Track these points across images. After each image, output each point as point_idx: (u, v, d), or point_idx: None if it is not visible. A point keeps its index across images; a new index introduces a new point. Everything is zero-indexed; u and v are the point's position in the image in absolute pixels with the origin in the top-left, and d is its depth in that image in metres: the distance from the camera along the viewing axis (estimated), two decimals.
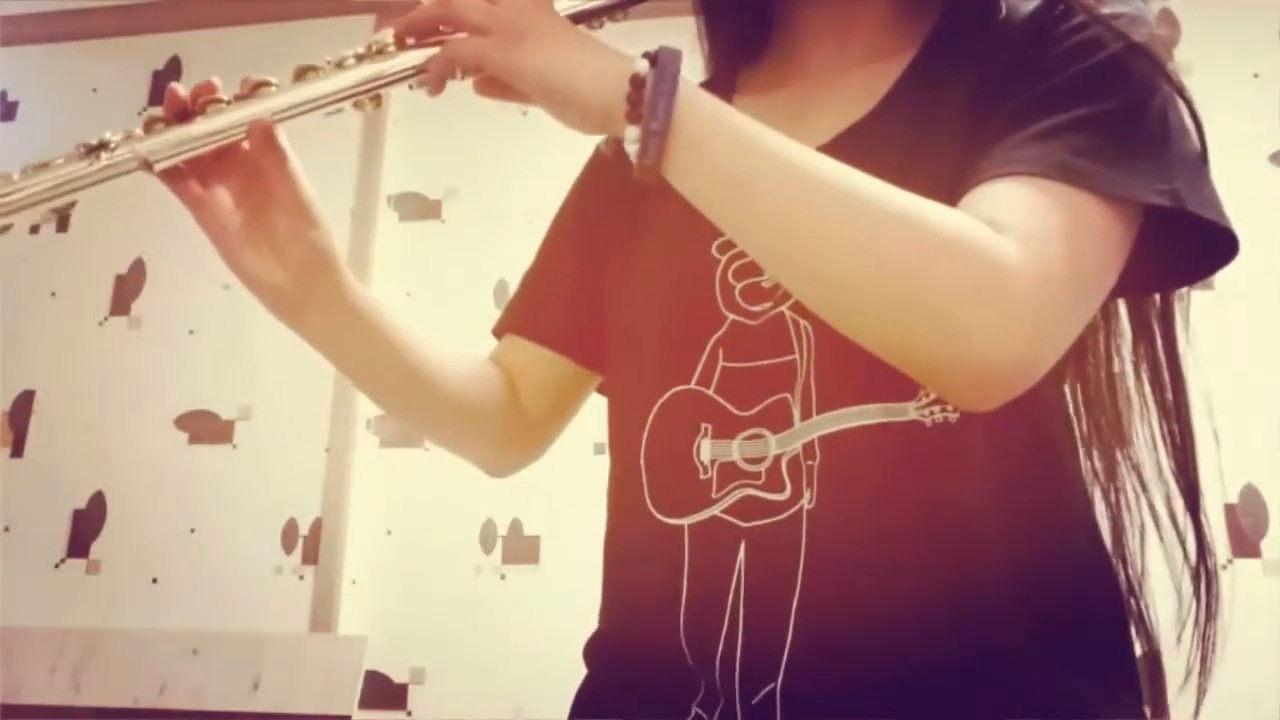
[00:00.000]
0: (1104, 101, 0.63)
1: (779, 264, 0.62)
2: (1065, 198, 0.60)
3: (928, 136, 0.68)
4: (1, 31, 2.40)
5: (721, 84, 0.83)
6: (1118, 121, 0.63)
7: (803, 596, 0.63)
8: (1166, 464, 0.74)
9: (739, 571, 0.65)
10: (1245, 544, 1.77)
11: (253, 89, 0.69)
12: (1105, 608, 0.70)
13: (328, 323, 0.75)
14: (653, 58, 0.61)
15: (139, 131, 0.68)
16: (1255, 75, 2.01)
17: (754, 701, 0.63)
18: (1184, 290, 0.74)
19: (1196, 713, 0.73)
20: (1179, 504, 0.73)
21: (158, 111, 0.70)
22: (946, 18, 0.75)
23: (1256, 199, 1.93)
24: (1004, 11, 0.71)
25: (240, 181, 0.71)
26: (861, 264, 0.58)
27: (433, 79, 0.67)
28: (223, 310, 2.14)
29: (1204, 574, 0.73)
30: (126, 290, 2.24)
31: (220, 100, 0.68)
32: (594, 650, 0.76)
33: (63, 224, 2.31)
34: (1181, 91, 0.66)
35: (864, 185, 0.59)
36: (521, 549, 1.95)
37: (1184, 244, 0.65)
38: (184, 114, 0.68)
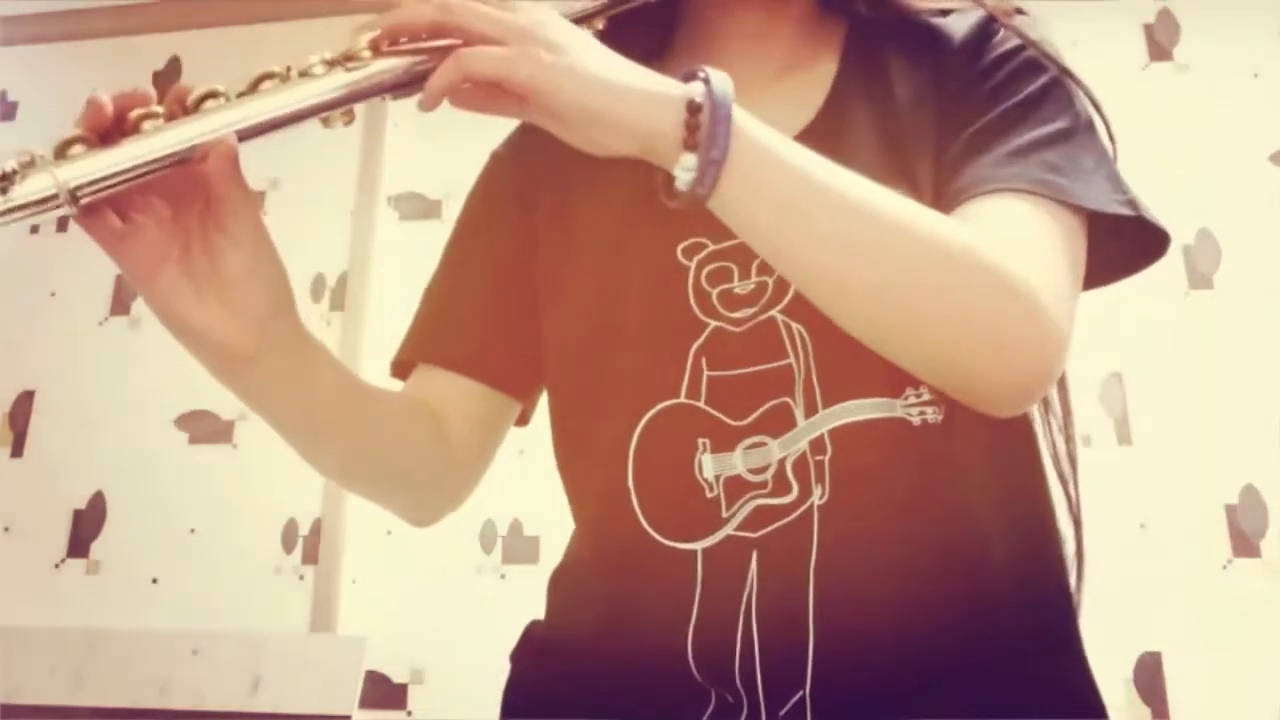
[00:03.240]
0: (1057, 121, 0.68)
1: (832, 294, 0.61)
2: (1053, 212, 0.65)
3: (871, 142, 0.70)
4: (1, 31, 2.40)
5: None
6: (1072, 139, 0.68)
7: (818, 597, 0.62)
8: (1061, 445, 0.75)
9: (751, 582, 0.64)
10: (1245, 544, 1.77)
11: (198, 103, 0.57)
12: (1069, 600, 0.72)
13: (280, 370, 0.66)
14: (704, 79, 0.58)
15: (43, 155, 0.53)
16: (1255, 75, 2.01)
17: (783, 712, 0.62)
18: None
19: None
20: (1071, 483, 0.75)
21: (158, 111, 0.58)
22: (856, 26, 0.77)
23: (1256, 199, 1.93)
24: (932, 27, 0.74)
25: (170, 209, 0.59)
26: (909, 292, 0.60)
27: (432, 94, 0.58)
28: None
29: (1077, 542, 0.73)
30: (126, 290, 2.24)
31: (155, 115, 0.56)
32: (529, 652, 0.76)
33: (63, 224, 2.31)
34: (1100, 111, 0.71)
35: (904, 210, 0.61)
36: (521, 549, 1.95)
37: (1117, 245, 0.69)
38: (109, 134, 0.56)
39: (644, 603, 0.67)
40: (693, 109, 0.57)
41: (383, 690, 1.89)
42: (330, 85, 0.58)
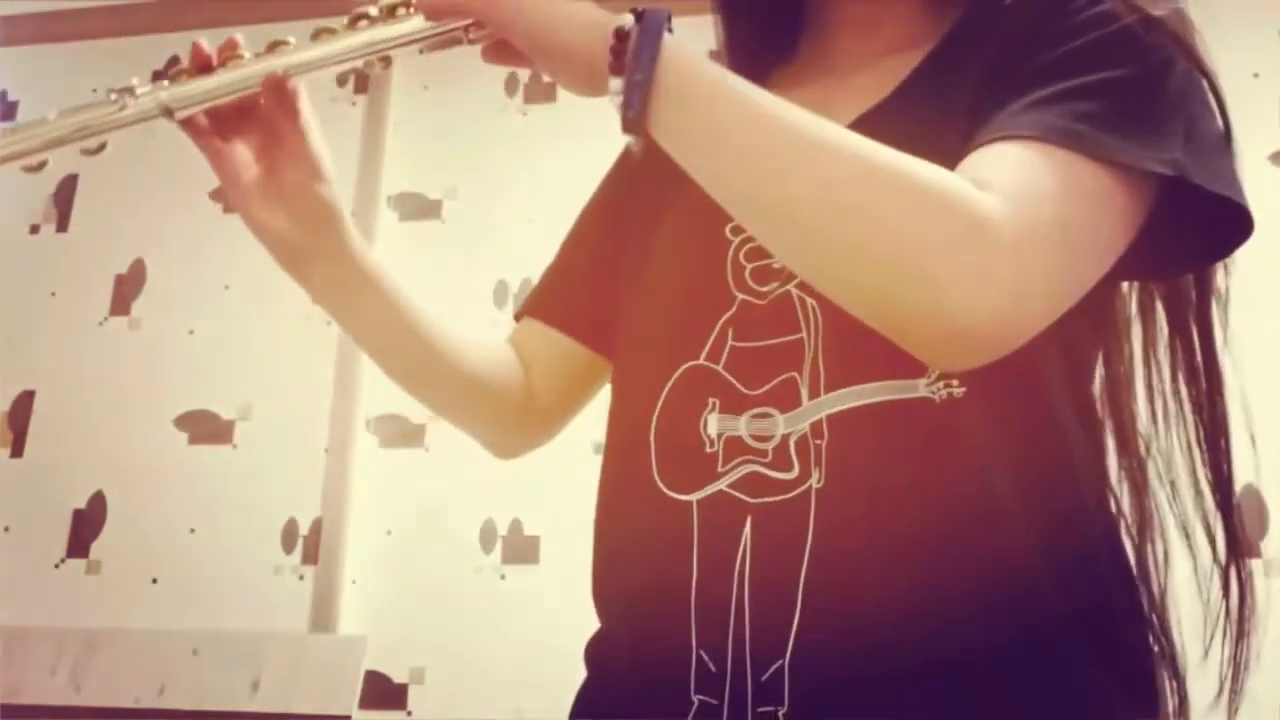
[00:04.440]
0: (1111, 70, 0.62)
1: (754, 214, 0.62)
2: (1058, 159, 0.59)
3: (942, 119, 0.68)
4: (1, 31, 2.40)
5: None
6: (1124, 90, 0.62)
7: (810, 573, 0.62)
8: (1202, 471, 0.73)
9: (744, 546, 0.65)
10: (1245, 544, 1.77)
11: (271, 48, 0.73)
12: (1124, 600, 0.69)
13: (332, 276, 0.78)
14: (638, 14, 0.62)
15: (165, 82, 0.72)
16: (1255, 75, 2.01)
17: (764, 678, 0.62)
18: (1221, 289, 0.73)
19: None
20: (1213, 512, 0.72)
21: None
22: (973, 9, 0.75)
23: (1256, 199, 1.93)
24: None
25: (259, 138, 0.75)
26: (834, 213, 0.58)
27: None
28: (223, 310, 2.14)
29: (1238, 586, 0.73)
30: (126, 290, 2.24)
31: (240, 56, 0.73)
32: (596, 651, 0.76)
33: (63, 224, 2.31)
34: (1202, 67, 0.65)
35: (844, 139, 0.59)
36: (521, 549, 1.95)
37: (1197, 222, 0.64)
38: (207, 68, 0.73)
39: (649, 557, 0.70)
40: (620, 36, 0.61)
41: (383, 690, 1.89)
42: (371, 37, 0.71)
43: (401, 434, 2.03)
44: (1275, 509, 1.79)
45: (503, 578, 1.94)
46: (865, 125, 0.69)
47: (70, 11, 2.41)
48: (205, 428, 2.12)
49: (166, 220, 2.26)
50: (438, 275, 2.12)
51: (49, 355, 2.22)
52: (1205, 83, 0.65)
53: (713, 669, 0.64)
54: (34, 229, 2.32)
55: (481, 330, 0.92)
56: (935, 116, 0.68)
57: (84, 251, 2.27)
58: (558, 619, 0.79)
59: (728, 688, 0.63)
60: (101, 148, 0.71)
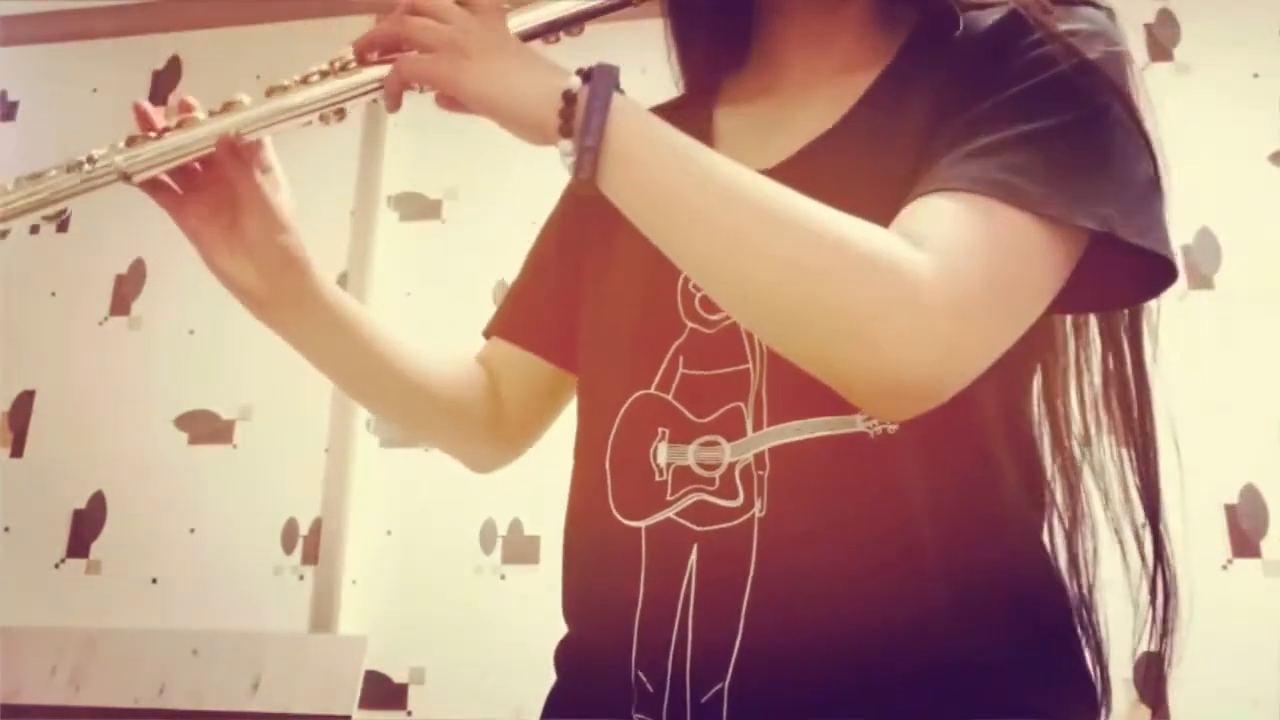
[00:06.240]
0: (1046, 119, 0.63)
1: (702, 275, 0.63)
2: (994, 213, 0.60)
3: (890, 147, 0.69)
4: (1, 31, 2.41)
5: (702, 93, 0.85)
6: (1058, 140, 0.63)
7: (752, 599, 0.64)
8: (1131, 480, 0.75)
9: (690, 572, 0.67)
10: (1245, 544, 1.77)
11: (225, 107, 0.74)
12: (1054, 620, 0.71)
13: (299, 318, 0.80)
14: (586, 74, 0.64)
15: (121, 145, 0.74)
16: (1255, 75, 2.01)
17: (703, 700, 0.64)
18: (1153, 306, 0.74)
19: None
20: (1141, 520, 0.74)
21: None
22: (919, 30, 0.75)
23: (1256, 199, 1.93)
24: (962, 26, 0.72)
25: (218, 189, 0.76)
26: (774, 275, 0.59)
27: (388, 95, 0.70)
28: (223, 310, 2.12)
29: (1163, 591, 0.74)
30: (126, 290, 2.24)
31: (195, 117, 0.75)
32: (562, 655, 0.78)
33: (63, 224, 2.31)
34: (1134, 112, 0.65)
35: (786, 201, 0.60)
36: (521, 549, 1.95)
37: (1128, 265, 0.65)
38: (159, 130, 0.74)
39: (603, 581, 0.72)
40: (568, 99, 0.63)
41: (383, 690, 1.89)
42: (323, 91, 0.72)
43: (401, 434, 2.03)
44: (1275, 509, 1.79)
45: (503, 578, 1.94)
46: (813, 152, 0.71)
47: (70, 11, 2.41)
48: (205, 428, 2.12)
49: (166, 220, 2.26)
50: (438, 275, 2.12)
51: (49, 355, 2.22)
52: (1137, 126, 0.65)
53: (650, 690, 0.66)
54: (34, 229, 2.32)
55: (478, 338, 0.92)
56: (883, 145, 0.69)
57: (84, 251, 2.27)
58: (558, 619, 0.79)
59: (665, 708, 0.65)
60: (61, 213, 0.74)
